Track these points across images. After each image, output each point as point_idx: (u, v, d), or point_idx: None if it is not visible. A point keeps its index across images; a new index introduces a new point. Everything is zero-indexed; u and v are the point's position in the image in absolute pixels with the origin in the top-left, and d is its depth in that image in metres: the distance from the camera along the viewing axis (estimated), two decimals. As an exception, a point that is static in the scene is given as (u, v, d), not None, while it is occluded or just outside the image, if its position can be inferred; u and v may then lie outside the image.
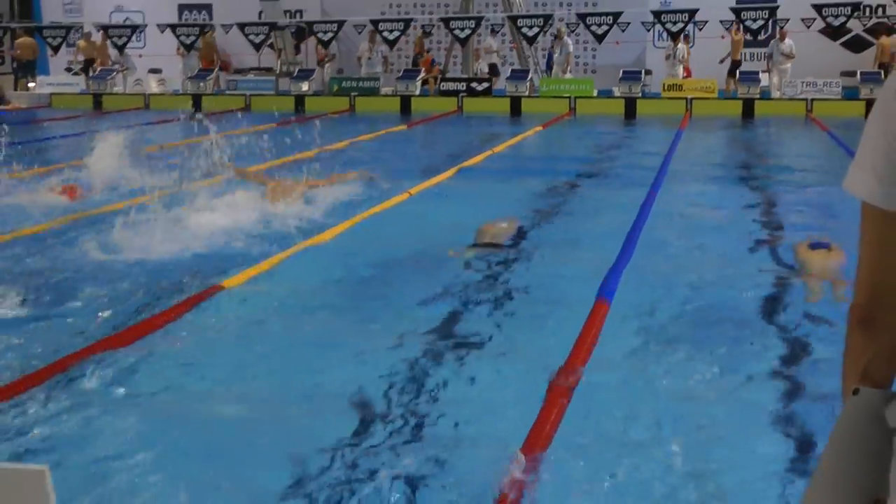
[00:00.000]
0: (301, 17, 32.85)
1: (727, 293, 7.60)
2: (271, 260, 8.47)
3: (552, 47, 29.65)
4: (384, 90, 28.61)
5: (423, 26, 30.72)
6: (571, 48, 29.63)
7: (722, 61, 28.41)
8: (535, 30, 28.34)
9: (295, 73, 29.51)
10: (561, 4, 33.01)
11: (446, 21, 29.27)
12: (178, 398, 5.42)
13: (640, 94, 26.88)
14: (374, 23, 29.20)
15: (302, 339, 6.44)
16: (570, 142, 20.56)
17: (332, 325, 6.73)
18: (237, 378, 5.75)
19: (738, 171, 15.43)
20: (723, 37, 29.08)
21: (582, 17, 28.72)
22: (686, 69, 28.33)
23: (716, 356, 6.12)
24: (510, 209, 10.93)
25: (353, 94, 27.89)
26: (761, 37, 29.21)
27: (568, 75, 28.71)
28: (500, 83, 28.74)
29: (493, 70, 29.24)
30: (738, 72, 27.48)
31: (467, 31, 28.78)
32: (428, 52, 30.62)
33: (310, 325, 6.76)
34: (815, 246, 8.71)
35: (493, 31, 30.18)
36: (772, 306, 7.28)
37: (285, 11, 32.46)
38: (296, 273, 8.17)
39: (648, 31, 29.97)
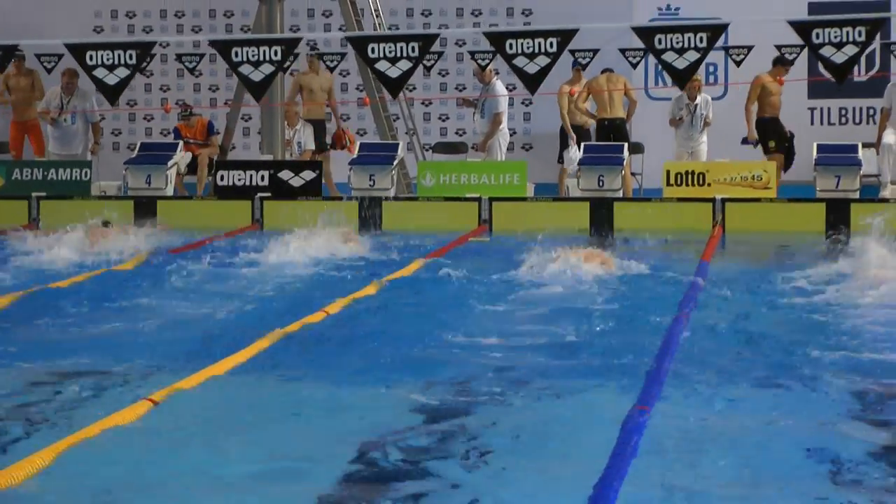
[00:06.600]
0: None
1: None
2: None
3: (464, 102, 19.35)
4: (98, 185, 18.36)
5: (181, 57, 17.40)
6: (503, 102, 18.01)
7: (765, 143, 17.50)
8: (405, 63, 14.93)
9: None
10: (460, 13, 19.91)
11: (222, 48, 15.74)
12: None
13: (618, 193, 17.09)
14: (76, 49, 15.81)
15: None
16: (479, 300, 11.39)
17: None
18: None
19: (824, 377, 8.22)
20: (778, 78, 17.06)
21: (496, 38, 15.01)
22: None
23: None
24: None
25: (34, 194, 18.13)
26: (859, 76, 17.89)
27: (497, 154, 18.10)
28: (337, 170, 18.37)
29: (321, 143, 18.98)
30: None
31: (268, 68, 15.40)
32: (191, 114, 19.02)
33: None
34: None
35: (327, 66, 17.57)
36: None
37: None
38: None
39: (635, 65, 16.61)
